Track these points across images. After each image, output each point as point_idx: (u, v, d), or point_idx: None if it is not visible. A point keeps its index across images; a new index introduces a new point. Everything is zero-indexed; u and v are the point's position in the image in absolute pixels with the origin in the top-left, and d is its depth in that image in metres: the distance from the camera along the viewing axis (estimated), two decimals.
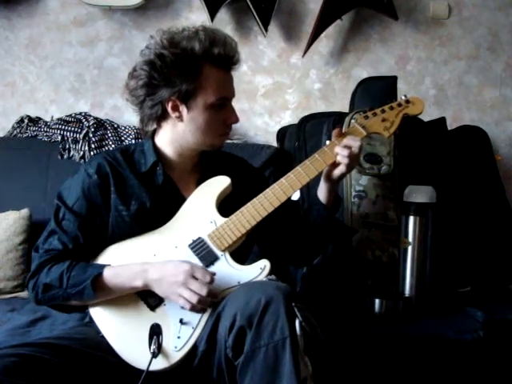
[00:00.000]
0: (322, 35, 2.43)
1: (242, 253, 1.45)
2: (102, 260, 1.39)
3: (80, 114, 2.32)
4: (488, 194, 2.22)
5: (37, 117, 2.36)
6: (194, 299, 1.25)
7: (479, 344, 1.63)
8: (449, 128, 2.30)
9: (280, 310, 1.18)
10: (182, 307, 1.28)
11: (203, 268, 1.31)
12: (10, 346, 1.22)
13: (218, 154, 1.53)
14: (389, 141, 1.89)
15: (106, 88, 2.47)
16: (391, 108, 1.49)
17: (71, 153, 2.20)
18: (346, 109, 2.21)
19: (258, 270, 1.32)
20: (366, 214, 1.89)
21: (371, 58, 2.52)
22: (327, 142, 1.46)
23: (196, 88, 1.37)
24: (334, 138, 1.46)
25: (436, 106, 2.53)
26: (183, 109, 1.39)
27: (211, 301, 1.28)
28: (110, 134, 2.24)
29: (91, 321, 1.38)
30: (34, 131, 2.27)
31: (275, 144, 2.33)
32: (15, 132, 2.30)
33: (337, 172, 1.44)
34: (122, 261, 1.36)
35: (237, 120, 1.45)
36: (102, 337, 1.34)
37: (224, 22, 2.43)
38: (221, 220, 1.39)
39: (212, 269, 1.34)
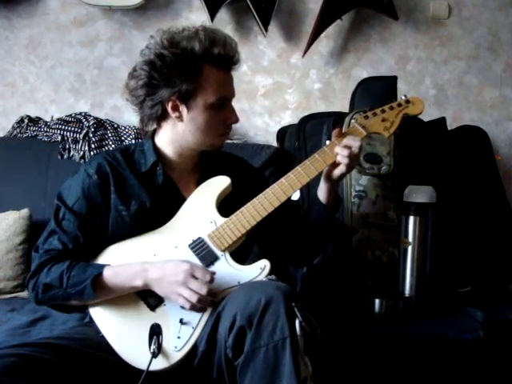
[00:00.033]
0: (322, 35, 2.43)
1: (242, 253, 1.45)
2: (101, 260, 1.39)
3: (80, 114, 2.32)
4: (488, 193, 2.22)
5: (37, 117, 2.36)
6: (194, 298, 1.25)
7: (479, 344, 1.63)
8: (449, 128, 2.30)
9: (280, 310, 1.18)
10: (182, 307, 1.28)
11: (203, 267, 1.32)
12: (10, 346, 1.22)
13: (218, 153, 1.53)
14: (389, 141, 1.89)
15: (106, 88, 2.47)
16: (391, 108, 1.49)
17: (71, 153, 2.20)
18: (346, 109, 2.21)
19: (258, 269, 1.32)
20: (366, 213, 1.89)
21: (371, 57, 2.52)
22: (327, 142, 1.46)
23: (196, 88, 1.37)
24: (334, 138, 1.46)
25: (436, 105, 2.53)
26: (183, 109, 1.39)
27: (211, 300, 1.28)
28: (110, 134, 2.24)
29: (91, 321, 1.38)
30: (34, 131, 2.27)
31: (275, 144, 2.33)
32: (15, 132, 2.30)
33: (337, 172, 1.44)
34: (122, 261, 1.36)
35: (237, 120, 1.45)
36: (102, 337, 1.34)
37: (224, 22, 2.43)
38: (221, 220, 1.39)
39: (212, 269, 1.33)
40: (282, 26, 2.48)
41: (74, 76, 2.47)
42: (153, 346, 1.27)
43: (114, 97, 2.46)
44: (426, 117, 2.15)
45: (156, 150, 1.46)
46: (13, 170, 2.17)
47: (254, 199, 1.40)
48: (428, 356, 1.62)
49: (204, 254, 1.36)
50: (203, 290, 1.25)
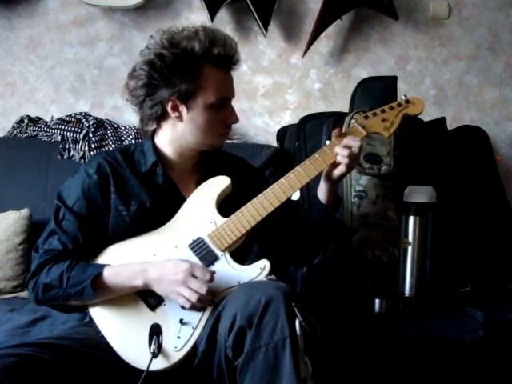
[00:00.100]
0: (322, 35, 2.43)
1: (242, 253, 1.45)
2: (101, 260, 1.39)
3: (80, 114, 2.32)
4: (488, 193, 2.22)
5: (37, 117, 2.36)
6: (194, 298, 1.25)
7: (479, 344, 1.63)
8: (449, 128, 2.30)
9: (280, 310, 1.18)
10: (182, 306, 1.28)
11: (203, 266, 1.32)
12: (10, 346, 1.22)
13: (218, 154, 1.53)
14: (389, 141, 1.89)
15: (106, 88, 2.47)
16: (391, 108, 1.49)
17: (71, 153, 2.20)
18: (346, 109, 2.21)
19: (258, 269, 1.32)
20: (366, 214, 1.89)
21: (371, 57, 2.52)
22: (327, 142, 1.46)
23: (196, 88, 1.37)
24: (334, 138, 1.46)
25: (436, 105, 2.53)
26: (183, 109, 1.39)
27: (211, 299, 1.28)
28: (109, 134, 2.24)
29: (91, 321, 1.38)
30: (34, 131, 2.27)
31: (275, 144, 2.33)
32: (15, 132, 2.30)
33: (337, 172, 1.44)
34: (122, 261, 1.36)
35: (237, 120, 1.45)
36: (102, 337, 1.34)
37: (224, 22, 2.43)
38: (221, 220, 1.39)
39: (212, 269, 1.33)
40: (282, 26, 2.48)
41: (74, 76, 2.47)
42: (153, 346, 1.27)
43: (113, 97, 2.46)
44: (426, 117, 2.15)
45: (156, 150, 1.46)
46: (13, 170, 2.17)
47: (254, 199, 1.40)
48: (428, 356, 1.62)
49: (204, 253, 1.36)
50: (203, 289, 1.25)
